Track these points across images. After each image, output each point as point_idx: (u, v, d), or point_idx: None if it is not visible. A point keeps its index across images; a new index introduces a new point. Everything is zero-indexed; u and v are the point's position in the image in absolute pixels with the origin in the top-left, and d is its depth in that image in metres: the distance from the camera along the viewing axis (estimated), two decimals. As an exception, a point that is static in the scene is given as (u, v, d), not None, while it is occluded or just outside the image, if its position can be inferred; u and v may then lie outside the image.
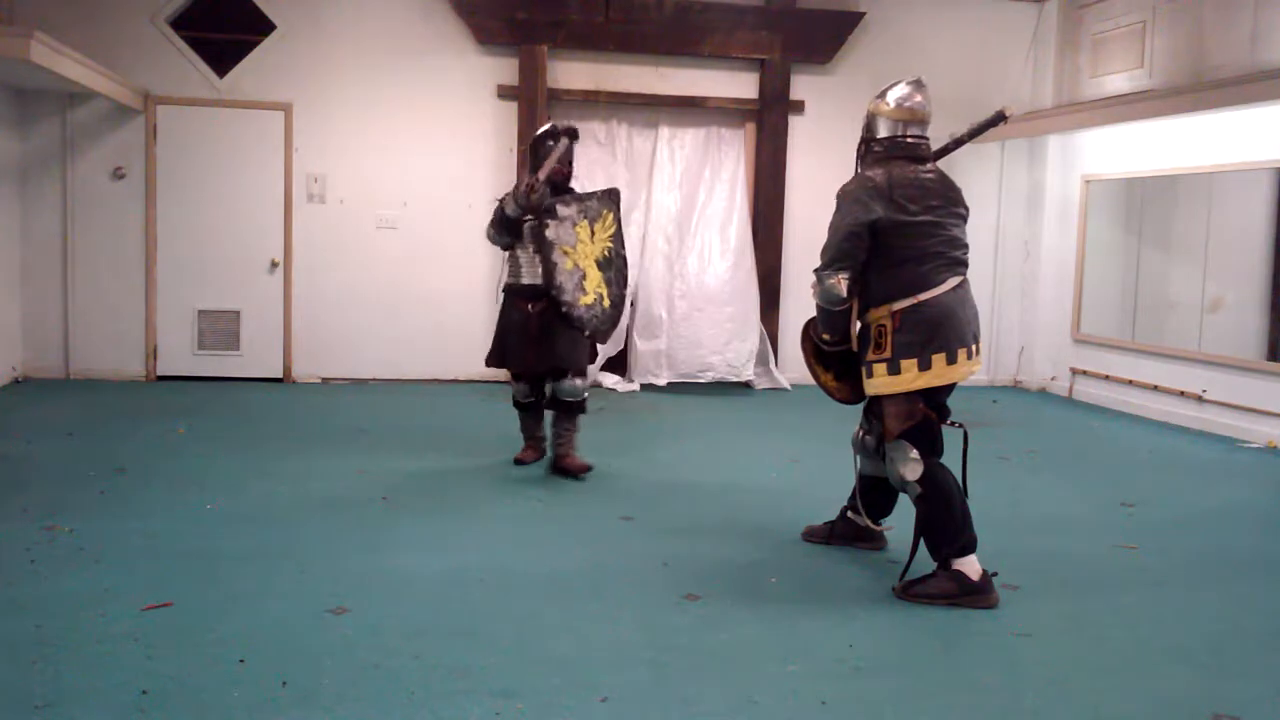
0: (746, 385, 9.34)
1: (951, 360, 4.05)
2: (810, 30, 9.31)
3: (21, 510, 4.81)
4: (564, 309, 5.63)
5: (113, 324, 8.71)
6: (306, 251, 8.92)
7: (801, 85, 9.45)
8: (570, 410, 5.84)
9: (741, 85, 9.39)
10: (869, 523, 4.57)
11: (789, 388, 9.36)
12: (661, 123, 9.38)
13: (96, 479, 5.45)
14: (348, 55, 8.88)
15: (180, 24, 8.66)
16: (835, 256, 4.15)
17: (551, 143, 5.74)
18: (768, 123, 9.38)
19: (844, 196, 4.20)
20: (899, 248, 4.09)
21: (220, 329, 8.86)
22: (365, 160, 8.96)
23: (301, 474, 5.73)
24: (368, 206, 9.00)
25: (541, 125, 8.93)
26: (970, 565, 4.02)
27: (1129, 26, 8.76)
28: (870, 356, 4.15)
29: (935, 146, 4.38)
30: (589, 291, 5.73)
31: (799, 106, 9.46)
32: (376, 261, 9.01)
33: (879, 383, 4.13)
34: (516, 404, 6.11)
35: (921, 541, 4.14)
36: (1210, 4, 7.93)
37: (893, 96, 4.24)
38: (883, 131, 4.25)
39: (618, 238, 5.96)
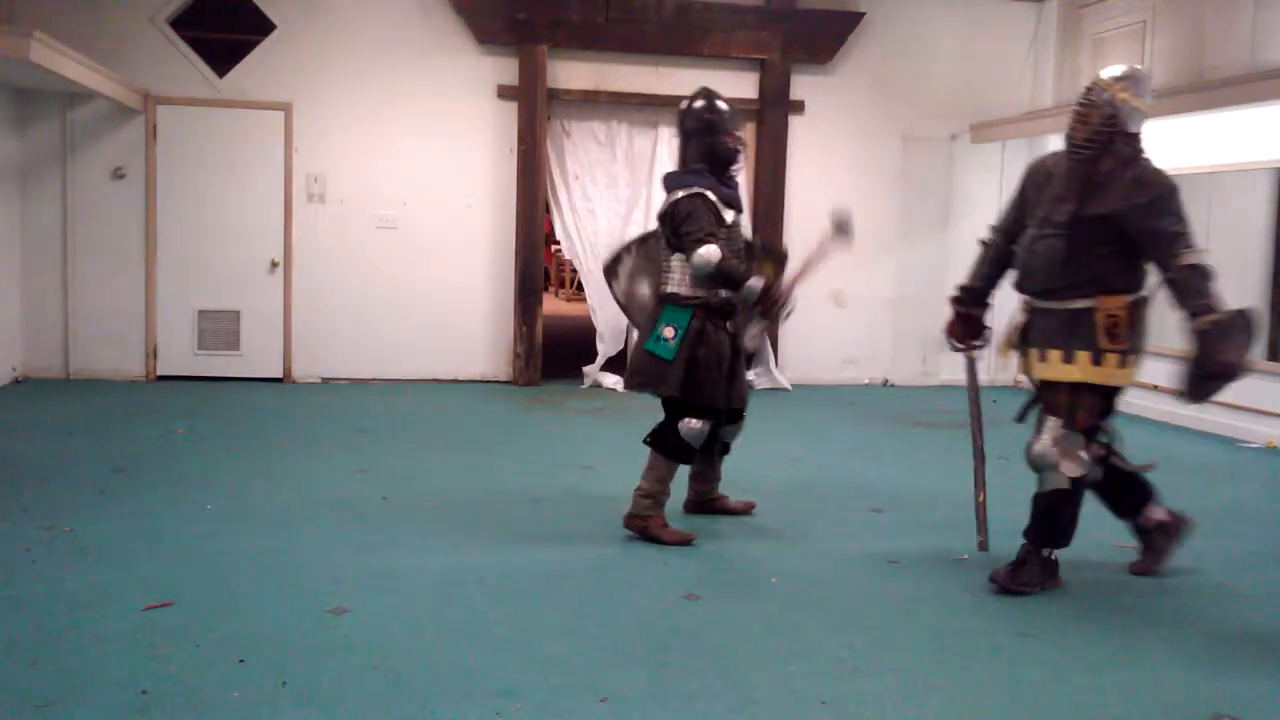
0: (746, 385, 9.33)
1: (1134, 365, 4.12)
2: (810, 30, 9.31)
3: (21, 510, 4.81)
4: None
5: (113, 324, 8.71)
6: (306, 251, 8.92)
7: (801, 85, 9.44)
8: (727, 451, 5.17)
9: (741, 85, 9.38)
10: (1165, 515, 4.47)
11: (789, 388, 9.36)
12: (661, 123, 9.36)
13: (96, 479, 5.45)
14: (348, 55, 8.88)
15: (180, 24, 8.66)
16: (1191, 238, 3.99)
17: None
18: (768, 123, 9.38)
19: (1164, 184, 4.02)
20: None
21: (220, 329, 8.86)
22: (365, 160, 8.96)
23: (302, 474, 5.73)
24: (368, 206, 9.00)
25: (541, 126, 9.04)
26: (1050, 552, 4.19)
27: (1129, 26, 8.75)
28: (1104, 344, 4.04)
29: None
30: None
31: (799, 106, 9.45)
32: (376, 261, 9.01)
33: (1108, 372, 4.05)
34: (691, 451, 4.77)
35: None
36: (1210, 4, 7.92)
37: (1147, 93, 4.16)
38: (1134, 126, 4.13)
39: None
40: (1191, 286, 3.94)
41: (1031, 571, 4.17)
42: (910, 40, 9.55)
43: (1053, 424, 4.12)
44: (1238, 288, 7.84)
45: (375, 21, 8.90)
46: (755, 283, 4.55)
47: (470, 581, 4.09)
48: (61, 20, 8.16)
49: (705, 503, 5.15)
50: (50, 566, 4.09)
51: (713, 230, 4.57)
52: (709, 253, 4.50)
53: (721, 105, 4.85)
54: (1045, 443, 4.12)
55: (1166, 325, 8.67)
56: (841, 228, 4.78)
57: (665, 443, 4.72)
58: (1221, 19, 7.82)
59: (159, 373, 8.81)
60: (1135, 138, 4.14)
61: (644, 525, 4.70)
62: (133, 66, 8.49)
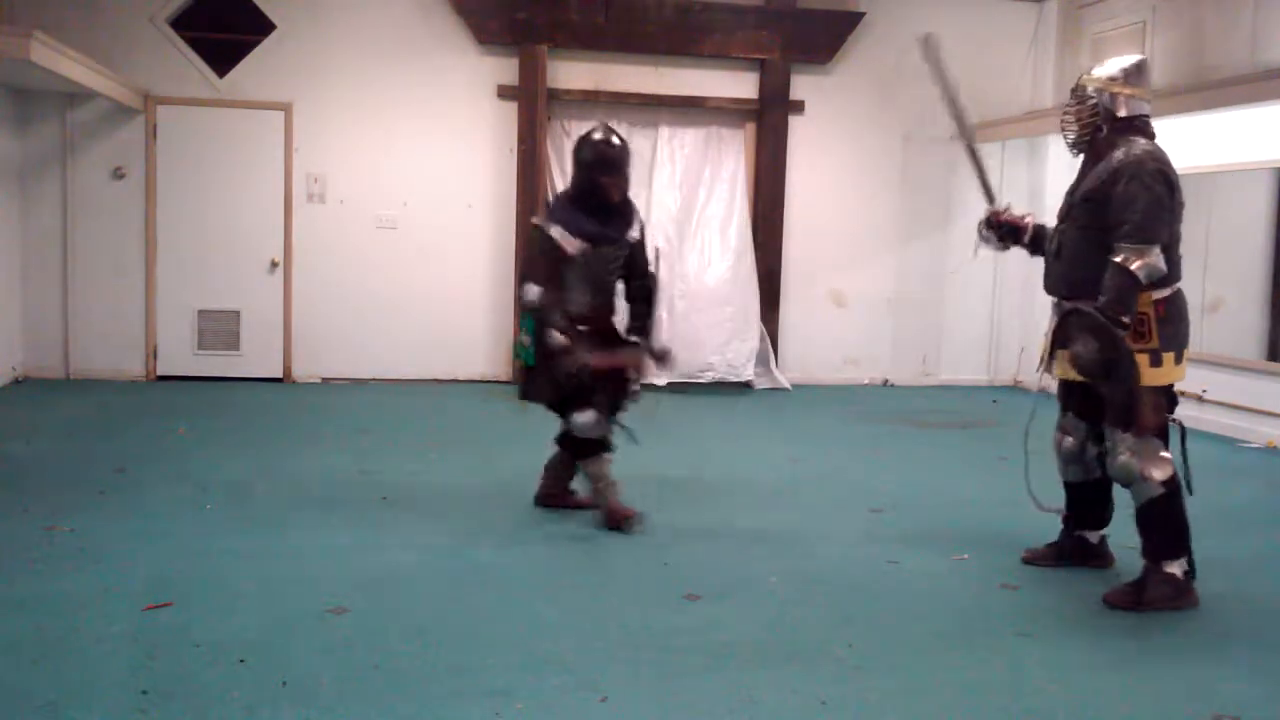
0: (746, 385, 9.34)
1: (1182, 359, 3.99)
2: (810, 30, 9.31)
3: (22, 510, 4.81)
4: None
5: (113, 324, 8.71)
6: (306, 251, 8.92)
7: (801, 85, 9.44)
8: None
9: (741, 85, 9.39)
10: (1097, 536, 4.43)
11: (789, 388, 9.36)
12: (661, 123, 9.37)
13: (96, 479, 5.45)
14: (348, 55, 8.87)
15: (180, 24, 8.66)
16: (1155, 232, 3.85)
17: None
18: (768, 123, 9.38)
19: (1140, 166, 3.91)
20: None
21: (220, 329, 8.86)
22: (365, 160, 8.96)
23: (302, 474, 5.73)
24: (368, 206, 9.00)
25: (541, 126, 9.04)
26: (1176, 566, 4.00)
27: (1129, 26, 8.75)
28: (1132, 345, 3.88)
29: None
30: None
31: (799, 106, 9.45)
32: (376, 261, 9.01)
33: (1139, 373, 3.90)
34: (592, 443, 4.91)
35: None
36: (1210, 4, 7.92)
37: (1134, 77, 4.09)
38: (1126, 110, 4.07)
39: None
40: (1106, 281, 3.89)
41: (1155, 591, 3.97)
42: (910, 40, 9.51)
43: (1123, 436, 3.95)
44: (1238, 287, 7.88)
45: (375, 21, 8.90)
46: (555, 339, 4.68)
47: (470, 581, 4.09)
48: (61, 20, 8.14)
49: (552, 495, 5.18)
50: (50, 566, 4.09)
51: (540, 269, 4.74)
52: (528, 291, 4.74)
53: (611, 145, 4.84)
54: (1124, 456, 3.97)
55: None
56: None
57: (572, 445, 4.95)
58: (1221, 19, 7.82)
59: (159, 373, 8.81)
60: (1126, 123, 4.07)
61: (606, 514, 4.85)
62: (133, 66, 8.49)
